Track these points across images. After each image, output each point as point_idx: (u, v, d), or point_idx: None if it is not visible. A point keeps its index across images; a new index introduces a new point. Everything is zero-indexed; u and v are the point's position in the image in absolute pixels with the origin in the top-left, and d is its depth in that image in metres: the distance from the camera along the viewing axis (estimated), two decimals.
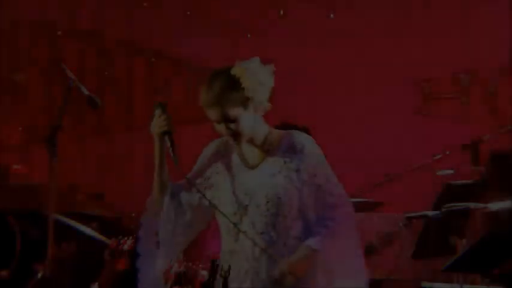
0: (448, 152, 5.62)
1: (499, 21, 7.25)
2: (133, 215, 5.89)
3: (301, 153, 3.41)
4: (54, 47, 7.86)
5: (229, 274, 3.39)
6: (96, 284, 5.00)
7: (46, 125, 7.63)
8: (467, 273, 5.01)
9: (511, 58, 7.24)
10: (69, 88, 4.93)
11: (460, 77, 7.54)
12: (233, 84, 3.39)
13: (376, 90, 7.26)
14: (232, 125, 3.38)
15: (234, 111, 3.36)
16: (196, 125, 7.84)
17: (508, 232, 3.54)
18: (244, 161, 3.47)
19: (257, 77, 3.41)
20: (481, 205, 5.11)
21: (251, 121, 3.40)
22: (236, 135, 3.39)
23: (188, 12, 7.73)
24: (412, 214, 5.19)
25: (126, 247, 4.98)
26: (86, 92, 4.95)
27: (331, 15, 7.54)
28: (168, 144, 3.50)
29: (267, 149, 3.44)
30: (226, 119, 3.37)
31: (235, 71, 3.43)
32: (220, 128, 3.42)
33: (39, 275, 5.34)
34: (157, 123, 3.48)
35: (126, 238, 5.06)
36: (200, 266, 4.82)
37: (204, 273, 4.80)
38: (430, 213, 4.94)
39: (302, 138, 3.45)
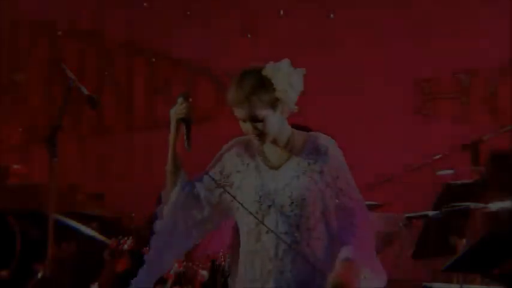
0: (447, 152, 5.62)
1: (499, 21, 7.25)
2: (133, 215, 5.90)
3: (325, 155, 3.44)
4: (54, 47, 7.86)
5: (229, 274, 3.42)
6: (96, 284, 5.00)
7: (46, 125, 7.64)
8: (467, 273, 5.01)
9: (511, 58, 7.25)
10: (69, 88, 4.94)
11: (460, 77, 7.54)
12: (264, 85, 3.41)
13: (376, 90, 7.26)
14: (259, 125, 3.39)
15: (263, 112, 3.38)
16: (197, 125, 7.86)
17: (508, 232, 3.54)
18: (267, 161, 3.48)
19: (289, 79, 3.42)
20: (481, 205, 5.11)
21: (278, 122, 3.42)
22: (262, 135, 3.41)
23: (188, 12, 7.73)
24: (412, 214, 5.19)
25: (126, 247, 4.98)
26: (86, 92, 4.96)
27: (331, 15, 7.54)
28: (184, 131, 3.53)
29: (290, 150, 3.47)
30: (254, 119, 3.38)
31: (267, 71, 3.44)
32: (247, 126, 3.43)
33: (39, 275, 5.34)
34: (177, 110, 3.55)
35: (126, 238, 5.06)
36: (200, 266, 4.83)
37: (204, 273, 4.81)
38: (430, 213, 4.94)
39: (326, 141, 3.49)
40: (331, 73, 7.10)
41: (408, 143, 7.15)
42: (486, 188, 5.24)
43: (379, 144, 7.16)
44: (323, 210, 3.42)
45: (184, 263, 4.81)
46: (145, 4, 7.80)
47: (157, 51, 7.92)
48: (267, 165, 3.48)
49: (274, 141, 3.46)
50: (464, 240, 5.02)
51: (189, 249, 3.68)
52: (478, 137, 5.67)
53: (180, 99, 3.55)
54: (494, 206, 4.94)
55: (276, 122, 3.41)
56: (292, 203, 3.38)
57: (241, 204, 3.44)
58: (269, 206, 3.40)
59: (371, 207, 5.63)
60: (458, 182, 5.25)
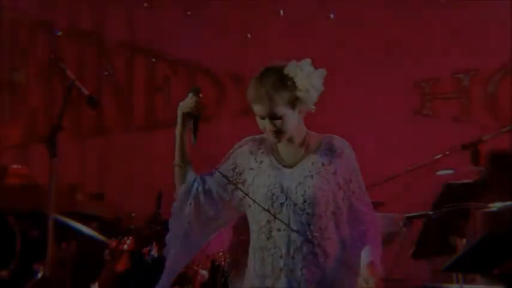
0: (447, 152, 5.61)
1: (499, 21, 7.25)
2: (133, 215, 5.89)
3: (339, 157, 3.49)
4: (54, 47, 7.86)
5: (228, 274, 3.43)
6: (96, 284, 5.00)
7: (46, 125, 7.64)
8: (467, 273, 5.01)
9: (511, 58, 7.24)
10: (69, 88, 4.94)
11: (460, 77, 7.54)
12: (286, 83, 3.43)
13: (376, 90, 7.26)
14: (277, 122, 3.41)
15: (282, 110, 3.40)
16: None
17: (508, 232, 3.54)
18: (281, 160, 3.51)
19: (310, 79, 3.45)
20: (481, 205, 5.11)
21: (295, 121, 3.46)
22: (279, 133, 3.43)
23: (188, 12, 7.73)
24: (412, 214, 5.19)
25: (126, 247, 4.98)
26: (86, 92, 4.96)
27: (331, 15, 7.54)
28: (191, 126, 3.54)
29: (305, 149, 3.51)
30: (273, 116, 3.41)
31: (289, 70, 3.44)
32: (264, 123, 3.45)
33: (39, 275, 5.34)
34: (185, 103, 3.54)
35: (126, 238, 5.06)
36: (200, 266, 4.82)
37: (204, 273, 4.81)
38: (430, 213, 4.94)
39: (341, 143, 3.54)
40: (330, 73, 7.10)
41: (408, 143, 7.15)
42: (486, 188, 5.24)
43: (379, 144, 7.15)
44: (334, 210, 3.46)
45: None
46: (145, 4, 7.80)
47: (157, 51, 7.91)
48: (280, 163, 3.51)
49: (290, 140, 3.49)
50: (464, 240, 5.02)
51: (201, 247, 3.69)
52: (478, 137, 5.66)
53: (190, 94, 3.56)
54: (494, 206, 4.94)
55: (294, 120, 3.44)
56: (305, 201, 3.42)
57: (254, 201, 3.46)
58: (281, 204, 3.44)
59: (374, 205, 5.64)
60: (458, 182, 5.25)
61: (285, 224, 3.41)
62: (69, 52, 7.82)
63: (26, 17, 7.88)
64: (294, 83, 3.42)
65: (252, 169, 3.52)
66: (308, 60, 3.48)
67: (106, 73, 7.91)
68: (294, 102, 3.42)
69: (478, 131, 6.33)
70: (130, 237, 5.04)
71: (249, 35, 7.65)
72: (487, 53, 7.29)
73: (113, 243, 5.05)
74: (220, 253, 4.89)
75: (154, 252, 4.89)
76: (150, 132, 7.89)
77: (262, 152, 3.54)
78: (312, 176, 3.45)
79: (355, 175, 3.52)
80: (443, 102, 7.56)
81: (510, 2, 7.23)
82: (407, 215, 5.22)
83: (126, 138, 7.90)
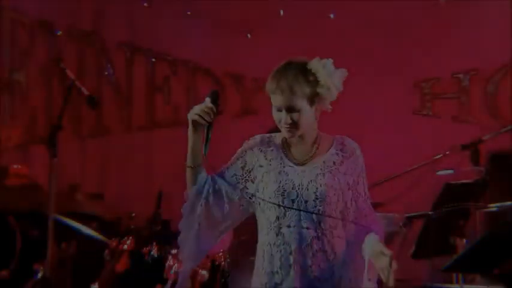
0: (447, 152, 5.61)
1: (499, 21, 7.24)
2: (133, 215, 5.89)
3: (350, 158, 3.56)
4: (54, 47, 7.86)
5: (228, 275, 3.45)
6: (96, 284, 4.99)
7: (46, 125, 7.64)
8: (467, 273, 5.01)
9: (511, 58, 7.25)
10: (69, 88, 4.94)
11: (460, 77, 7.54)
12: (308, 77, 3.47)
13: (376, 90, 7.26)
14: (294, 115, 3.44)
15: (301, 103, 3.44)
16: None
17: (508, 232, 3.54)
18: (292, 157, 3.55)
19: (332, 77, 3.50)
20: (481, 205, 5.11)
21: (311, 118, 3.50)
22: (294, 127, 3.47)
23: (188, 12, 7.73)
24: (412, 214, 5.19)
25: (126, 247, 4.98)
26: (86, 92, 4.96)
27: (331, 15, 7.54)
28: (204, 132, 3.54)
29: (317, 148, 3.55)
30: (291, 108, 3.44)
31: (313, 65, 3.49)
32: (280, 116, 3.48)
33: (39, 275, 5.34)
34: (195, 110, 3.53)
35: (126, 238, 5.05)
36: (200, 266, 4.82)
37: (204, 273, 4.81)
38: (430, 213, 4.94)
39: (353, 144, 3.60)
40: None
41: (408, 143, 7.15)
42: (486, 188, 5.24)
43: (379, 144, 7.15)
44: (342, 210, 3.51)
45: None
46: (145, 4, 7.80)
47: (157, 51, 7.91)
48: (291, 161, 3.54)
49: (302, 138, 3.53)
50: (464, 240, 5.02)
51: (211, 248, 3.70)
52: (478, 137, 5.66)
53: (207, 99, 3.52)
54: (494, 206, 4.94)
55: (309, 117, 3.48)
56: (317, 198, 3.45)
57: (263, 200, 3.49)
58: (293, 201, 3.47)
59: (373, 205, 5.64)
60: (458, 182, 5.26)
61: (298, 209, 3.44)
62: (69, 52, 7.82)
63: (26, 17, 7.87)
64: (316, 78, 3.46)
65: (261, 166, 3.55)
66: (330, 60, 3.52)
67: (106, 73, 7.91)
68: (313, 98, 3.47)
69: (478, 131, 6.34)
70: (130, 237, 5.03)
71: (249, 35, 7.65)
72: (487, 53, 7.29)
73: (113, 243, 5.04)
74: (220, 253, 4.89)
75: (154, 252, 4.89)
76: (150, 132, 7.89)
77: (272, 150, 3.57)
78: (323, 174, 3.49)
79: (362, 178, 3.58)
80: (443, 102, 7.56)
81: (510, 2, 7.23)
82: (407, 215, 5.22)
83: (126, 138, 7.89)
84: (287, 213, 3.46)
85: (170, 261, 4.83)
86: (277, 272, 3.46)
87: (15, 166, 6.82)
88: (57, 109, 4.94)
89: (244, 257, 4.74)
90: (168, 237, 5.96)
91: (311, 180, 3.48)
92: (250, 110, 7.75)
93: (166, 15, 7.77)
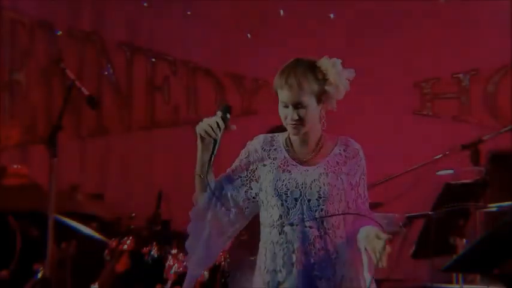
0: (447, 152, 5.61)
1: (499, 21, 7.24)
2: (133, 215, 5.89)
3: (353, 159, 3.59)
4: (54, 47, 7.85)
5: (228, 275, 3.45)
6: (96, 284, 4.99)
7: (46, 125, 7.64)
8: (467, 273, 5.01)
9: (511, 58, 7.24)
10: (69, 88, 4.94)
11: (460, 77, 7.54)
12: (317, 74, 3.50)
13: (376, 90, 7.25)
14: (301, 111, 3.47)
15: (309, 99, 3.47)
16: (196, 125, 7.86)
17: (508, 232, 3.54)
18: (295, 157, 3.57)
19: (341, 76, 3.53)
20: (481, 205, 5.11)
21: (317, 115, 3.53)
22: (300, 123, 3.49)
23: (188, 12, 7.73)
24: (412, 214, 5.19)
25: (126, 247, 4.98)
26: (86, 92, 4.96)
27: (331, 15, 7.54)
28: (210, 146, 3.51)
29: (320, 148, 3.58)
30: (299, 104, 3.46)
31: (322, 63, 3.52)
32: (286, 112, 3.49)
33: (39, 275, 5.34)
34: (204, 124, 3.51)
35: (126, 238, 5.06)
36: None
37: (204, 273, 4.81)
38: (430, 213, 4.94)
39: (356, 146, 3.64)
40: None
41: (408, 143, 7.15)
42: (486, 188, 5.24)
43: (379, 144, 7.15)
44: (344, 209, 3.53)
45: (185, 263, 4.81)
46: (145, 4, 7.80)
47: (157, 51, 7.91)
48: (294, 160, 3.56)
49: (306, 137, 3.56)
50: (464, 240, 5.02)
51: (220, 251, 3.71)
52: (478, 137, 5.66)
53: (218, 113, 3.53)
54: (494, 206, 4.94)
55: (316, 114, 3.51)
56: (320, 198, 3.47)
57: (265, 198, 3.51)
58: (296, 199, 3.49)
59: (372, 205, 5.64)
60: (458, 182, 5.26)
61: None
62: (69, 52, 7.82)
63: (26, 17, 7.87)
64: (324, 76, 3.49)
65: (265, 165, 3.57)
66: (339, 60, 3.56)
67: (106, 73, 7.90)
68: (321, 96, 3.50)
69: (478, 131, 6.34)
70: (131, 237, 5.03)
71: (249, 35, 7.65)
72: (487, 53, 7.29)
73: (113, 243, 5.04)
74: (220, 253, 4.89)
75: (154, 252, 4.89)
76: (150, 132, 7.88)
77: (275, 149, 3.60)
78: (327, 173, 3.51)
79: (363, 179, 3.61)
80: (443, 102, 7.56)
81: (510, 2, 7.23)
82: (408, 215, 5.22)
83: (126, 138, 7.89)
84: (290, 211, 3.48)
85: (170, 261, 4.84)
86: (279, 271, 3.48)
87: (15, 166, 6.82)
88: (57, 109, 4.94)
89: (244, 256, 4.74)
90: (168, 237, 5.96)
91: (314, 180, 3.50)
92: (250, 110, 7.75)
93: (166, 15, 7.77)
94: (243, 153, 3.62)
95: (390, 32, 7.38)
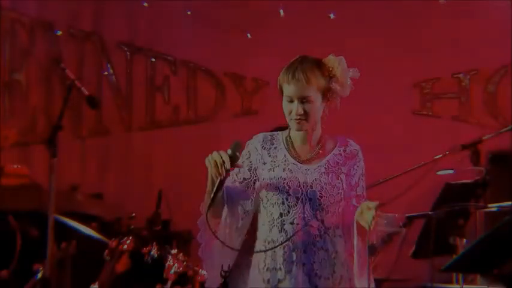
0: (447, 152, 5.61)
1: (499, 21, 7.24)
2: (133, 215, 5.89)
3: (353, 160, 3.63)
4: (54, 47, 7.85)
5: (228, 274, 3.45)
6: (96, 284, 4.99)
7: (46, 125, 7.63)
8: (467, 273, 5.01)
9: (511, 58, 7.24)
10: (69, 88, 4.94)
11: (460, 77, 7.54)
12: (324, 71, 3.54)
13: (376, 90, 7.25)
14: (307, 106, 3.50)
15: (315, 95, 3.51)
16: (197, 125, 7.86)
17: (508, 232, 3.54)
18: (296, 155, 3.59)
19: (347, 74, 3.58)
20: (481, 205, 5.11)
21: (320, 112, 3.57)
22: (305, 118, 3.52)
23: (188, 12, 7.72)
24: (412, 214, 5.19)
25: (126, 247, 4.97)
26: (86, 92, 4.96)
27: (331, 15, 7.54)
28: (216, 184, 3.46)
29: (321, 147, 3.61)
30: (305, 98, 3.50)
31: (329, 60, 3.57)
32: (291, 107, 3.52)
33: (39, 275, 5.33)
34: (211, 160, 3.44)
35: (126, 238, 5.05)
36: (200, 266, 4.82)
37: (204, 273, 4.80)
38: (430, 213, 4.94)
39: (356, 146, 3.69)
40: None
41: (408, 143, 7.15)
42: (486, 188, 5.24)
43: (379, 144, 7.15)
44: (344, 209, 3.58)
45: (185, 263, 4.81)
46: (145, 4, 7.79)
47: (157, 51, 7.91)
48: (295, 158, 3.59)
49: (307, 135, 3.59)
50: (464, 240, 5.02)
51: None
52: (478, 137, 5.66)
53: (229, 150, 3.45)
54: (494, 206, 4.93)
55: (319, 111, 3.56)
56: (322, 197, 3.51)
57: (265, 197, 3.52)
58: (297, 198, 3.52)
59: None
60: (458, 182, 5.26)
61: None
62: (69, 52, 7.81)
63: (26, 17, 7.87)
64: (331, 73, 3.54)
65: (265, 164, 3.60)
66: (344, 58, 3.60)
67: (106, 73, 7.90)
68: (326, 93, 3.55)
69: (478, 131, 6.34)
70: (131, 237, 5.02)
71: (249, 35, 7.65)
72: (487, 53, 7.29)
73: (113, 243, 5.03)
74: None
75: (154, 253, 4.89)
76: (150, 132, 7.88)
77: (275, 147, 3.62)
78: (328, 173, 3.55)
79: (362, 179, 3.65)
80: (443, 102, 7.56)
81: (510, 2, 7.23)
82: (407, 215, 5.22)
83: (126, 138, 7.89)
84: (291, 210, 3.51)
85: (170, 261, 4.82)
86: (280, 269, 3.51)
87: (15, 166, 6.81)
88: (57, 109, 4.93)
89: (244, 256, 4.73)
90: (168, 237, 5.96)
91: (315, 179, 3.53)
92: (250, 110, 7.75)
93: (166, 15, 7.77)
94: (244, 155, 3.63)
95: (390, 32, 7.38)
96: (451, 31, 7.34)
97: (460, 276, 5.08)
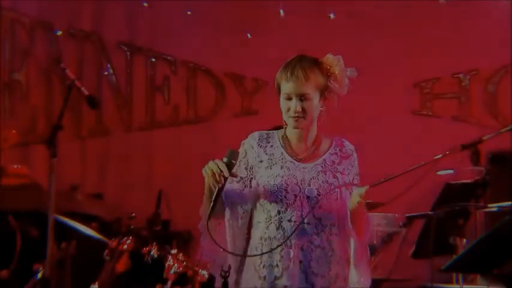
0: (447, 152, 5.61)
1: (499, 21, 7.24)
2: (133, 215, 5.89)
3: (348, 159, 3.65)
4: (54, 47, 7.85)
5: (229, 274, 3.45)
6: (96, 284, 4.99)
7: (46, 125, 7.63)
8: (467, 273, 5.01)
9: (511, 58, 7.24)
10: (69, 88, 4.93)
11: (460, 77, 7.54)
12: (322, 69, 3.57)
13: (376, 90, 7.25)
14: (305, 104, 3.52)
15: (313, 92, 3.53)
16: (197, 124, 7.86)
17: (508, 232, 3.54)
18: (292, 153, 3.61)
19: (344, 73, 3.60)
20: (481, 205, 5.11)
21: (317, 111, 3.58)
22: (302, 116, 3.53)
23: (188, 12, 7.72)
24: (412, 214, 5.19)
25: (126, 247, 4.97)
26: (86, 92, 4.95)
27: (331, 15, 7.54)
28: (214, 194, 3.46)
29: (316, 147, 3.63)
30: (303, 95, 3.51)
31: (327, 59, 3.60)
32: (289, 105, 3.54)
33: (39, 275, 5.33)
34: (208, 170, 3.44)
35: (126, 238, 5.05)
36: (200, 265, 4.82)
37: (204, 273, 4.80)
38: (430, 213, 4.94)
39: (350, 146, 3.70)
40: None
41: (408, 143, 7.14)
42: (486, 188, 5.24)
43: (379, 144, 7.15)
44: (340, 207, 3.58)
45: (185, 263, 4.81)
46: (145, 4, 7.79)
47: (157, 51, 7.91)
48: (292, 157, 3.60)
49: (303, 134, 3.60)
50: (464, 240, 5.02)
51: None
52: (478, 137, 5.66)
53: (225, 159, 3.45)
54: (494, 206, 4.93)
55: (316, 110, 3.57)
56: (319, 195, 3.53)
57: (262, 194, 3.53)
58: (295, 195, 3.53)
59: (372, 205, 5.64)
60: (458, 182, 5.26)
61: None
62: (69, 52, 7.81)
63: (26, 17, 7.86)
64: (329, 71, 3.56)
65: (262, 161, 3.61)
66: (341, 58, 3.63)
67: (106, 73, 7.90)
68: (323, 91, 3.56)
69: (478, 131, 6.34)
70: (130, 237, 5.02)
71: (249, 35, 7.65)
72: (487, 53, 7.29)
73: (113, 243, 5.03)
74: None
75: (154, 252, 4.89)
76: (150, 132, 7.88)
77: (271, 146, 3.64)
78: (325, 172, 3.57)
79: (356, 179, 3.67)
80: (443, 102, 7.56)
81: (510, 2, 7.23)
82: (408, 215, 5.22)
83: (126, 138, 7.89)
84: (289, 207, 3.52)
85: (170, 261, 4.83)
86: (276, 266, 3.52)
87: (15, 166, 6.81)
88: (57, 109, 4.93)
89: (244, 256, 4.73)
90: (168, 237, 5.96)
91: (313, 177, 3.55)
92: (250, 110, 7.75)
93: (166, 15, 7.77)
94: (240, 154, 3.63)
95: (390, 32, 7.38)
96: (451, 31, 7.34)
97: (460, 276, 5.08)
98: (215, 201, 3.43)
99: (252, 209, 3.62)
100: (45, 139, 4.71)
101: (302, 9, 7.50)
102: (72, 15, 7.89)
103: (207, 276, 4.80)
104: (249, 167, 3.62)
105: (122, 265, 4.98)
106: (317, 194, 3.52)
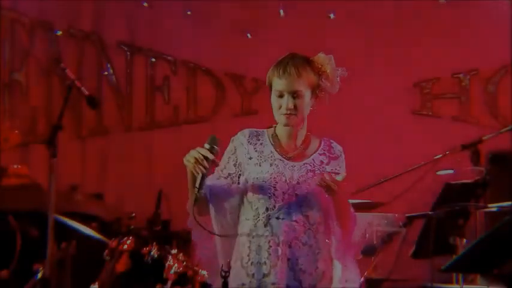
0: (447, 152, 5.61)
1: (499, 21, 7.24)
2: (133, 215, 5.89)
3: (336, 160, 3.68)
4: (54, 47, 7.85)
5: (229, 274, 3.46)
6: (96, 284, 4.99)
7: (46, 125, 7.63)
8: (467, 273, 5.01)
9: (511, 58, 7.24)
10: (69, 88, 4.93)
11: (460, 77, 7.54)
12: (313, 67, 3.60)
13: (376, 90, 7.26)
14: (297, 101, 3.54)
15: (305, 90, 3.56)
16: (197, 124, 7.86)
17: (508, 232, 3.54)
18: (281, 151, 3.64)
19: (336, 72, 3.64)
20: (481, 205, 5.11)
21: (308, 110, 3.61)
22: (293, 114, 3.55)
23: (188, 12, 7.72)
24: (412, 214, 5.19)
25: (126, 247, 4.97)
26: (86, 92, 4.95)
27: (331, 15, 7.54)
28: (198, 180, 3.51)
29: (306, 146, 3.66)
30: (295, 92, 3.54)
31: (319, 58, 3.62)
32: (281, 102, 3.56)
33: (39, 275, 5.33)
34: (191, 156, 3.56)
35: (126, 238, 5.05)
36: (200, 265, 4.82)
37: (204, 273, 4.80)
38: (430, 213, 4.94)
39: (339, 147, 3.73)
40: None
41: (408, 143, 7.15)
42: (486, 188, 5.24)
43: (379, 144, 7.15)
44: (327, 206, 3.60)
45: (185, 263, 4.81)
46: (145, 4, 7.79)
47: (157, 51, 7.91)
48: (281, 155, 3.63)
49: (293, 132, 3.63)
50: (464, 240, 5.02)
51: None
52: (478, 137, 5.66)
53: (205, 145, 3.52)
54: (494, 206, 4.93)
55: (307, 108, 3.60)
56: (308, 193, 3.55)
57: (251, 191, 3.55)
58: (283, 193, 3.56)
59: (372, 205, 5.64)
60: (458, 182, 5.25)
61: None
62: (69, 52, 7.81)
63: (26, 17, 7.86)
64: (320, 70, 3.59)
65: (251, 158, 3.63)
66: (333, 57, 3.66)
67: (106, 73, 7.90)
68: (316, 89, 3.59)
69: (478, 131, 6.34)
70: (131, 237, 5.02)
71: (249, 35, 7.65)
72: (487, 53, 7.29)
73: (113, 243, 5.03)
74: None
75: (154, 252, 4.88)
76: (150, 132, 7.88)
77: (261, 143, 3.66)
78: (313, 171, 3.60)
79: (345, 180, 3.62)
80: (443, 102, 7.56)
81: (510, 2, 7.23)
82: (407, 215, 5.22)
83: (126, 138, 7.89)
84: (277, 205, 3.53)
85: (170, 261, 4.82)
86: (264, 263, 3.55)
87: (15, 166, 6.81)
88: (57, 109, 4.93)
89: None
90: (168, 237, 5.96)
91: (302, 175, 3.58)
92: (250, 110, 7.75)
93: (166, 15, 7.77)
94: (229, 151, 3.69)
95: (390, 32, 7.38)
96: (451, 31, 7.34)
97: (460, 276, 5.08)
98: (199, 188, 3.44)
99: (239, 206, 3.63)
100: (45, 139, 4.71)
101: (302, 9, 7.51)
102: (72, 15, 7.89)
103: (207, 276, 4.79)
104: (237, 163, 3.64)
105: (122, 265, 4.98)
106: (306, 192, 3.55)
